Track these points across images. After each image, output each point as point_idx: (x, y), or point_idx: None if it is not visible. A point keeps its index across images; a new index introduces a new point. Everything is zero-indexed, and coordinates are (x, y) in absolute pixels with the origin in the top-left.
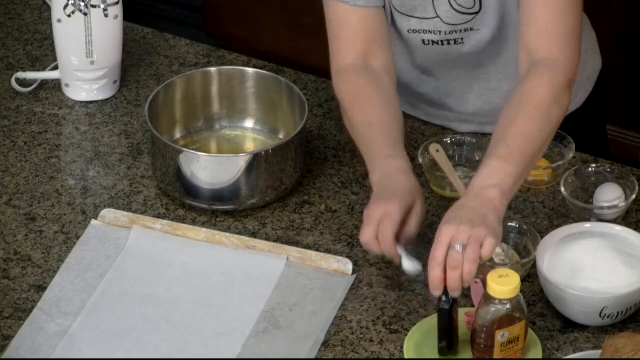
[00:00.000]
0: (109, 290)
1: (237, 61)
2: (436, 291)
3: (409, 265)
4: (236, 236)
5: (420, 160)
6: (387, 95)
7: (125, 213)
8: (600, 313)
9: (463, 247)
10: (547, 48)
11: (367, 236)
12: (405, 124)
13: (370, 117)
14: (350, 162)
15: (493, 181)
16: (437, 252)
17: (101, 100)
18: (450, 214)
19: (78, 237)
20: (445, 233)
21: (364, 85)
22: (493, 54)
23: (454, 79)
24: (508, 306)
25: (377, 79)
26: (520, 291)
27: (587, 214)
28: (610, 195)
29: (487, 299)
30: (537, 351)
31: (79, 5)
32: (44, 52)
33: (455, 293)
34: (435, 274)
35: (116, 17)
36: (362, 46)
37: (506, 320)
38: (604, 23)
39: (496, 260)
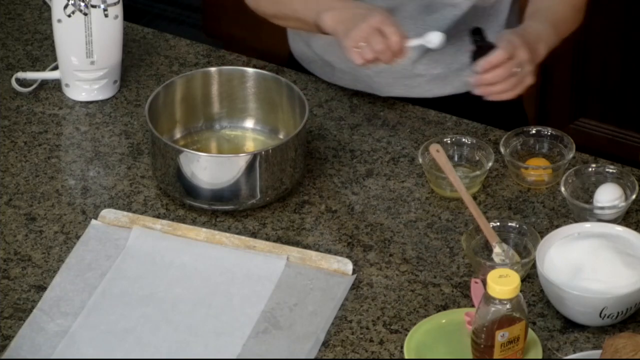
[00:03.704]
0: (109, 290)
1: (237, 61)
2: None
3: (436, 36)
4: (236, 236)
5: (420, 160)
6: None
7: (125, 213)
8: (600, 313)
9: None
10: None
11: (380, 45)
12: (405, 124)
13: None
14: (350, 162)
15: (543, 37)
16: (499, 57)
17: (101, 100)
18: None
19: (78, 237)
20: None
21: None
22: (441, 3)
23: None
24: (508, 306)
25: None
26: (520, 291)
27: (587, 214)
28: (610, 195)
29: (487, 299)
30: (537, 351)
31: (79, 5)
32: (44, 52)
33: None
34: (488, 72)
35: (116, 17)
36: None
37: (506, 320)
38: (604, 23)
39: (496, 260)
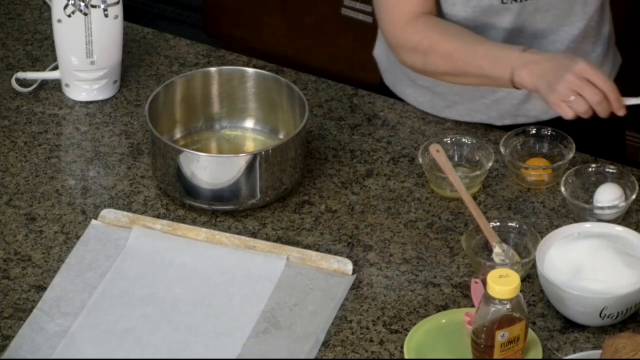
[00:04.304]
0: (109, 290)
1: (237, 61)
2: None
3: None
4: (236, 236)
5: (420, 160)
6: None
7: (125, 213)
8: (600, 313)
9: None
10: None
11: (596, 96)
12: (405, 124)
13: (472, 35)
14: (350, 162)
15: None
16: None
17: (101, 100)
18: None
19: (78, 237)
20: None
21: (442, 21)
22: (557, 23)
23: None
24: (508, 306)
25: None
26: (520, 291)
27: (587, 214)
28: (610, 195)
29: (487, 299)
30: (537, 351)
31: (79, 5)
32: (44, 52)
33: None
34: None
35: (116, 17)
36: (419, 9)
37: (506, 320)
38: None
39: (496, 260)
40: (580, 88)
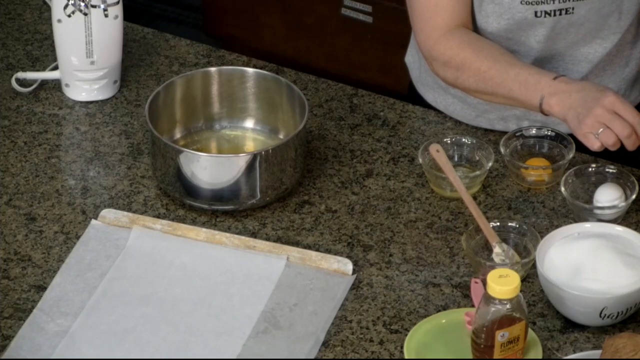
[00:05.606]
0: (109, 290)
1: (237, 61)
2: None
3: None
4: (236, 236)
5: (420, 160)
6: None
7: (125, 213)
8: (600, 313)
9: None
10: None
11: (626, 130)
12: (405, 124)
13: (506, 56)
14: (350, 162)
15: None
16: None
17: (101, 100)
18: None
19: (78, 237)
20: None
21: (477, 38)
22: (590, 36)
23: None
24: (508, 306)
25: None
26: (520, 291)
27: (587, 214)
28: (610, 195)
29: (487, 299)
30: (537, 351)
31: (79, 5)
32: (44, 52)
33: None
34: None
35: (116, 17)
36: (454, 22)
37: (506, 320)
38: None
39: (496, 260)
40: (609, 121)
